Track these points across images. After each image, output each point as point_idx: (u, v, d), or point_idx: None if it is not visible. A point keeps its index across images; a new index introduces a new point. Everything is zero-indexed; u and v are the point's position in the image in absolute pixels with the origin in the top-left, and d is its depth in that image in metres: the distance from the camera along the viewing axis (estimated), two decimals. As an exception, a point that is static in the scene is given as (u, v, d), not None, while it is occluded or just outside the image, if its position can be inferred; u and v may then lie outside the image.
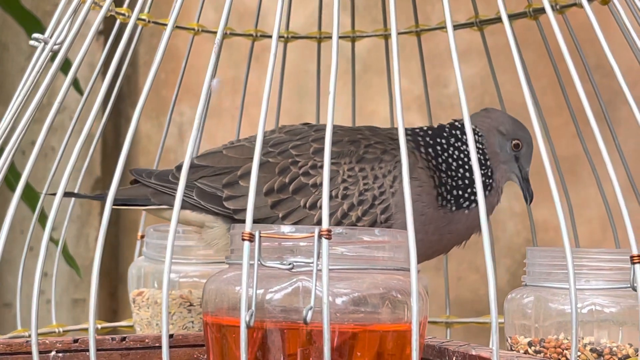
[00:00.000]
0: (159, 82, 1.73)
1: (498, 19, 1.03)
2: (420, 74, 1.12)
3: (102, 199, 0.93)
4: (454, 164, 0.92)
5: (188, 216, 0.90)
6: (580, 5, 0.89)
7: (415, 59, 1.12)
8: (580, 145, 1.14)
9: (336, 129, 0.92)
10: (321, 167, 0.88)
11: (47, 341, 0.80)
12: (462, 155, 0.92)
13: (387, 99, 1.14)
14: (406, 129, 0.94)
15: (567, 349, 0.76)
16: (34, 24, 1.54)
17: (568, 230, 0.66)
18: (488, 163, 0.93)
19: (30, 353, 0.80)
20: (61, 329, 1.03)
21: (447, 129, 0.94)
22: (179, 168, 0.91)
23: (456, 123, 0.94)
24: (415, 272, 0.63)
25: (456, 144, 0.93)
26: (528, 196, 0.95)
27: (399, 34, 1.08)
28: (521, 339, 0.78)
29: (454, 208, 0.91)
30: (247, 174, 0.89)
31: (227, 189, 0.89)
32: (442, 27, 1.08)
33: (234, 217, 0.88)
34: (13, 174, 1.30)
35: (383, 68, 1.13)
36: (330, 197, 0.88)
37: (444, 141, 0.93)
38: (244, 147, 0.92)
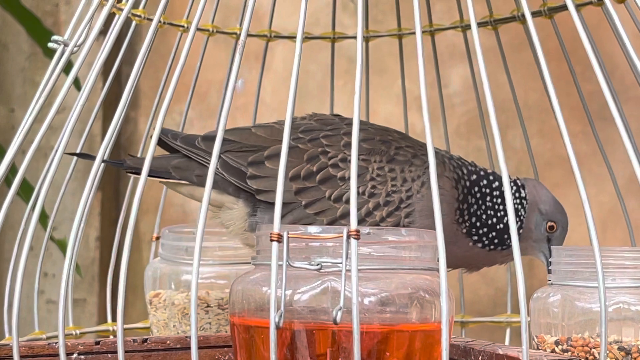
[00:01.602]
0: (159, 82, 1.72)
1: (512, 19, 1.03)
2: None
3: (122, 165, 0.92)
4: (488, 201, 0.91)
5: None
6: (596, 4, 0.90)
7: (415, 58, 1.12)
8: (581, 144, 1.15)
9: (367, 127, 0.92)
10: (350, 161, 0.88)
11: (68, 343, 0.80)
12: (499, 201, 0.91)
13: (387, 99, 1.14)
14: (454, 156, 0.93)
15: (594, 348, 0.76)
16: (34, 24, 1.54)
17: (595, 230, 0.66)
18: (520, 232, 0.92)
19: (51, 355, 0.80)
20: (78, 331, 1.03)
21: (481, 172, 0.93)
22: (204, 138, 0.90)
23: (517, 180, 0.93)
24: (444, 272, 0.63)
25: (498, 191, 0.92)
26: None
27: (410, 34, 1.09)
28: (547, 338, 0.78)
29: (464, 231, 0.91)
30: (273, 156, 0.88)
31: (252, 167, 0.88)
32: (456, 27, 1.08)
33: (255, 198, 0.88)
34: (13, 174, 1.30)
35: (383, 68, 1.13)
36: (357, 194, 0.88)
37: (493, 184, 0.92)
38: (273, 128, 0.91)
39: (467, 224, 0.90)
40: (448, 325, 0.63)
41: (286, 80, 1.16)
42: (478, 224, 0.90)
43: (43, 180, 0.89)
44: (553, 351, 0.77)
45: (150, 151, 0.69)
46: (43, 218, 1.20)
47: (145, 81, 1.63)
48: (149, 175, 0.90)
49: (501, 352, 0.71)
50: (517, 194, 0.92)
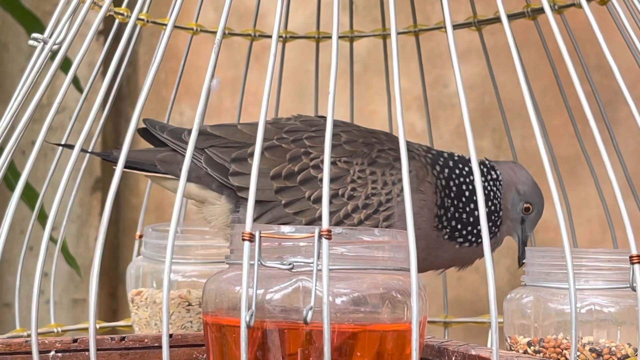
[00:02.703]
0: (159, 82, 1.73)
1: (496, 19, 1.03)
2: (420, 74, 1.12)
3: (109, 157, 0.92)
4: (464, 197, 0.91)
5: (192, 190, 0.89)
6: (579, 5, 0.90)
7: (415, 58, 1.12)
8: (580, 145, 1.14)
9: (352, 128, 0.92)
10: (333, 163, 0.88)
11: (46, 341, 0.80)
12: (469, 191, 0.91)
13: (387, 99, 1.14)
14: (432, 149, 0.94)
15: (566, 349, 0.76)
16: (34, 24, 1.54)
17: (567, 231, 0.66)
18: (500, 214, 0.92)
19: (29, 353, 0.80)
20: (60, 329, 1.03)
21: (456, 160, 0.93)
22: (190, 132, 0.90)
23: (486, 161, 0.94)
24: (415, 272, 0.63)
25: (469, 178, 0.92)
26: (521, 259, 0.93)
27: (398, 34, 1.09)
28: (520, 339, 0.78)
29: (446, 237, 0.91)
30: None
31: (234, 164, 0.88)
32: (441, 27, 1.08)
33: (237, 195, 0.88)
34: (13, 173, 1.30)
35: (382, 68, 1.13)
36: (336, 196, 0.88)
37: (464, 172, 0.92)
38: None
39: (448, 229, 0.90)
40: (419, 326, 0.63)
41: (285, 80, 1.16)
42: (459, 226, 0.90)
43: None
44: (525, 352, 0.77)
45: (126, 141, 0.69)
46: (42, 218, 1.20)
47: (144, 81, 1.64)
48: (135, 169, 0.90)
49: (474, 353, 0.71)
50: (488, 177, 0.92)
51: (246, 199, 0.87)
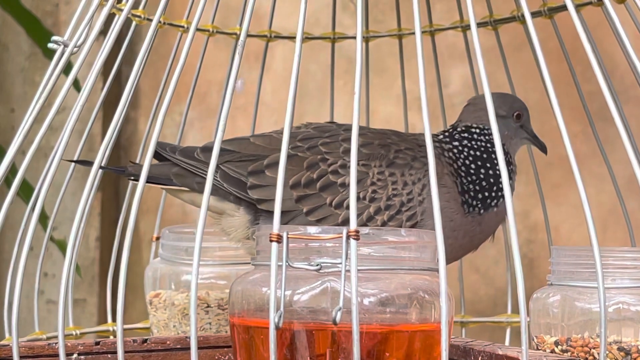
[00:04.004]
0: (159, 82, 1.72)
1: (512, 19, 1.03)
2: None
3: (123, 172, 0.92)
4: (472, 166, 0.92)
5: (210, 202, 0.89)
6: (596, 4, 0.90)
7: (415, 58, 1.12)
8: (581, 144, 1.14)
9: (365, 131, 0.92)
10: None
11: (68, 344, 0.80)
12: (478, 155, 0.92)
13: (387, 99, 1.14)
14: (436, 135, 0.94)
15: (594, 348, 0.76)
16: (34, 24, 1.54)
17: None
18: (505, 149, 0.93)
19: (51, 356, 0.80)
20: (78, 332, 1.03)
21: (456, 135, 0.94)
22: (203, 149, 0.90)
23: (459, 127, 0.95)
24: (444, 274, 0.63)
25: (469, 145, 0.93)
26: (542, 148, 0.96)
27: (410, 34, 1.09)
28: (547, 338, 0.78)
29: (482, 211, 0.91)
30: (273, 164, 0.88)
31: (252, 177, 0.88)
32: (456, 27, 1.08)
33: (256, 207, 0.88)
34: (13, 174, 1.30)
35: (383, 68, 1.13)
36: (358, 199, 0.88)
37: (456, 143, 0.93)
38: (272, 137, 0.91)
39: (479, 205, 0.91)
40: (447, 326, 0.63)
41: (286, 80, 1.15)
42: (484, 194, 0.91)
43: (43, 180, 0.89)
44: (553, 351, 0.77)
45: (148, 157, 0.69)
46: (43, 218, 1.20)
47: (145, 81, 1.63)
48: (151, 182, 0.90)
49: (501, 353, 0.71)
50: (481, 137, 0.93)
51: (265, 211, 0.88)
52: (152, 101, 1.75)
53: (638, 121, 1.23)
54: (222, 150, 0.89)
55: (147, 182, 0.89)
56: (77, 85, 1.34)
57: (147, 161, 0.69)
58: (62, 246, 1.43)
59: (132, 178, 0.92)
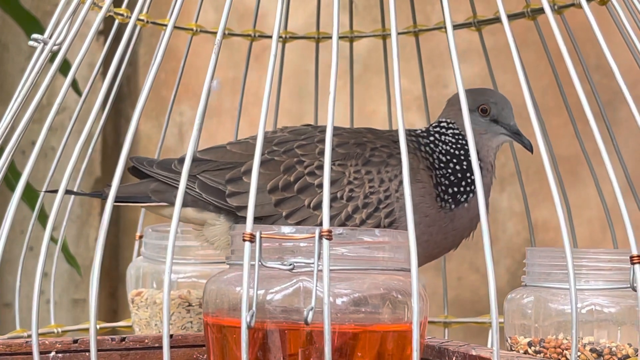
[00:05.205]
0: (159, 82, 1.73)
1: (496, 19, 1.03)
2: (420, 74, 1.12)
3: (101, 196, 0.92)
4: (444, 159, 0.92)
5: (189, 214, 0.89)
6: (579, 6, 0.90)
7: (415, 59, 1.12)
8: (580, 145, 1.14)
9: (341, 131, 0.92)
10: None
11: (46, 341, 0.80)
12: (447, 149, 0.92)
13: (387, 99, 1.14)
14: (412, 130, 0.94)
15: (567, 349, 0.76)
16: (33, 24, 1.54)
17: (567, 231, 0.66)
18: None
19: (29, 353, 0.80)
20: (60, 329, 1.03)
21: (431, 130, 0.94)
22: (180, 161, 0.90)
23: (436, 123, 0.95)
24: (415, 273, 0.63)
25: (440, 139, 0.93)
26: (526, 145, 0.94)
27: (398, 34, 1.09)
28: (521, 339, 0.78)
29: (453, 206, 0.91)
30: (250, 171, 0.88)
31: (230, 184, 0.88)
32: (441, 28, 1.08)
33: (236, 214, 0.88)
34: (13, 173, 1.30)
35: (382, 68, 1.13)
36: (335, 199, 0.88)
37: (432, 138, 0.93)
38: (248, 144, 0.91)
39: (450, 200, 0.90)
40: (419, 326, 0.63)
41: (286, 81, 1.16)
42: (454, 189, 0.91)
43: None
44: (526, 352, 0.77)
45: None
46: (43, 218, 1.20)
47: (145, 81, 1.64)
48: (130, 202, 0.90)
49: (474, 353, 0.71)
50: (440, 132, 0.93)
51: (245, 217, 0.88)
52: (153, 101, 1.75)
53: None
54: (198, 160, 0.89)
55: (125, 201, 0.90)
56: (75, 86, 1.35)
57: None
58: (63, 246, 1.44)
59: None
